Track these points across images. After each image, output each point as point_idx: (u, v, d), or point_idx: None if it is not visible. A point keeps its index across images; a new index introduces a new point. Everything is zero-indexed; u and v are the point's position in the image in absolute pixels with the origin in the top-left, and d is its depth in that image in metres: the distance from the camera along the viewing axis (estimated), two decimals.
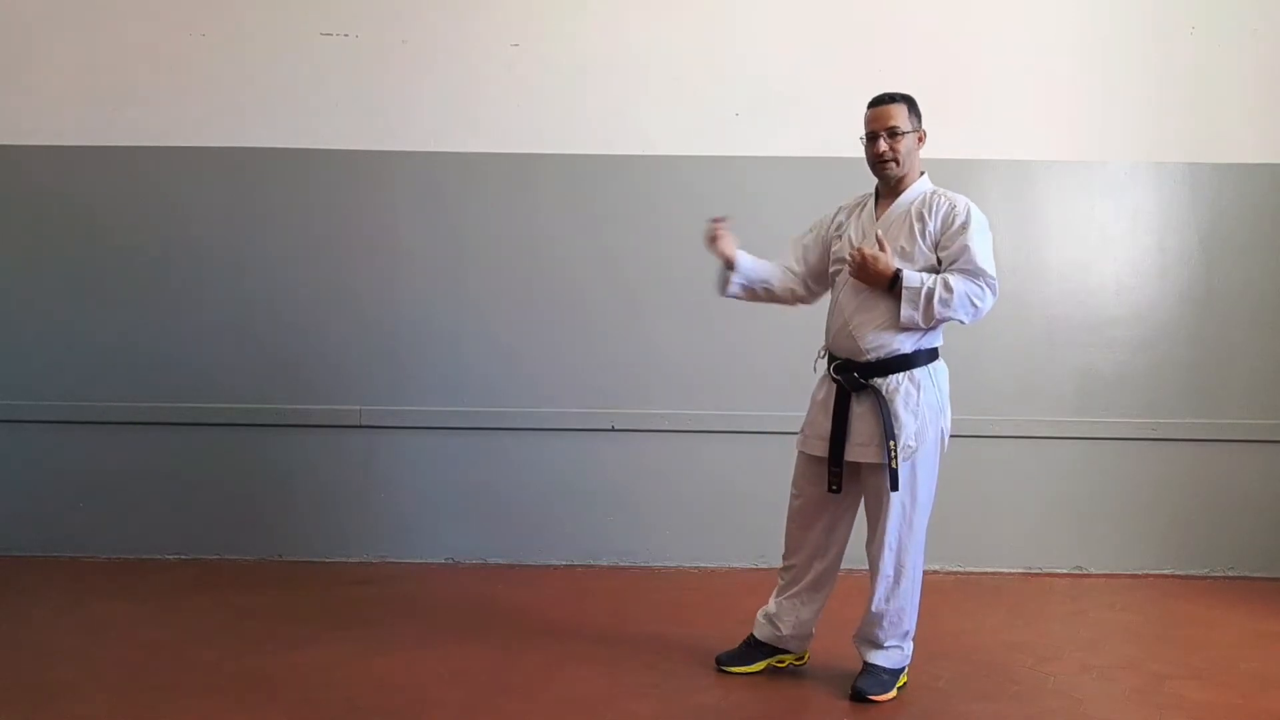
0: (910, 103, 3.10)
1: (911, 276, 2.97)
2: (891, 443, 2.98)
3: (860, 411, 3.07)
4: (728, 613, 3.74)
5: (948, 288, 2.95)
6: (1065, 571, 4.44)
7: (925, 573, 3.17)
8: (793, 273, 3.28)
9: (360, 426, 4.45)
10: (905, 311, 2.97)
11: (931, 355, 3.09)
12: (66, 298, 4.46)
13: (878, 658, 3.12)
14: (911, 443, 3.02)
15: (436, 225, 4.45)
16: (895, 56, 4.32)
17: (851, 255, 3.03)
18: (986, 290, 2.98)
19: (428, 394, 4.46)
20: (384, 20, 4.42)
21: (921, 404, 3.03)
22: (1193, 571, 4.44)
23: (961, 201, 3.04)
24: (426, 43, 4.42)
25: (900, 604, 3.10)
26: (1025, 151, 4.40)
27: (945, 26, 4.40)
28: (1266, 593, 4.22)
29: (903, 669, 3.15)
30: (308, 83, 4.42)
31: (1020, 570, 4.44)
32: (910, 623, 3.14)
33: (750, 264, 3.23)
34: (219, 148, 4.42)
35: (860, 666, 3.14)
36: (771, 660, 3.28)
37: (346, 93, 4.42)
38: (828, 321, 3.20)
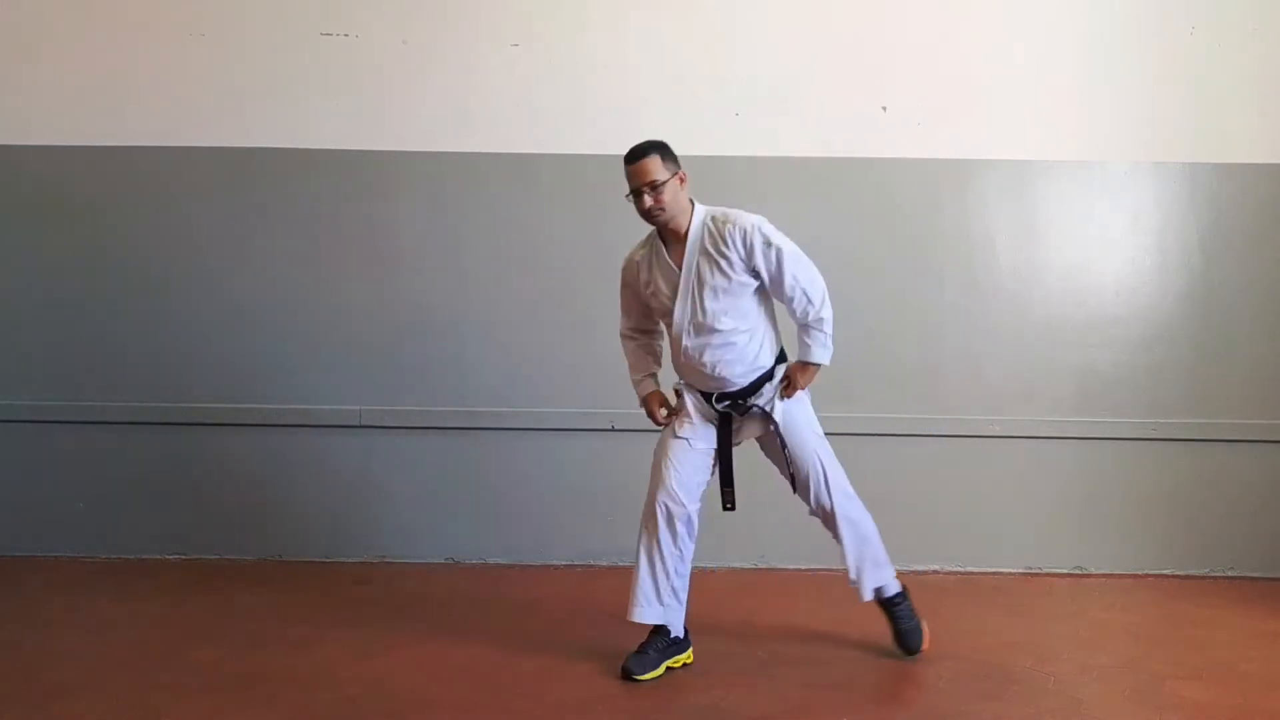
0: (662, 149, 3.20)
1: (820, 350, 3.21)
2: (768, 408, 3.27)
3: (741, 423, 3.33)
4: (727, 613, 3.74)
5: (818, 319, 3.19)
6: (1065, 571, 4.44)
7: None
8: (650, 335, 3.50)
9: (360, 426, 4.45)
10: (827, 357, 3.22)
11: (781, 356, 3.34)
12: (66, 298, 4.47)
13: (882, 578, 3.31)
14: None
15: (436, 225, 4.45)
16: (895, 56, 4.32)
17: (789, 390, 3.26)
18: (827, 302, 3.20)
19: (427, 394, 4.46)
20: (384, 20, 4.42)
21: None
22: (1193, 571, 4.44)
23: (748, 222, 3.16)
24: (426, 43, 4.42)
25: (866, 530, 3.30)
26: (1025, 151, 4.39)
27: (945, 27, 4.39)
28: (1266, 593, 4.22)
29: (903, 590, 3.34)
30: (308, 83, 4.42)
31: (1020, 570, 4.44)
32: (882, 550, 3.33)
33: (653, 379, 3.47)
34: (219, 148, 4.43)
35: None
36: (670, 663, 3.30)
37: (346, 93, 4.42)
38: (674, 364, 3.36)
